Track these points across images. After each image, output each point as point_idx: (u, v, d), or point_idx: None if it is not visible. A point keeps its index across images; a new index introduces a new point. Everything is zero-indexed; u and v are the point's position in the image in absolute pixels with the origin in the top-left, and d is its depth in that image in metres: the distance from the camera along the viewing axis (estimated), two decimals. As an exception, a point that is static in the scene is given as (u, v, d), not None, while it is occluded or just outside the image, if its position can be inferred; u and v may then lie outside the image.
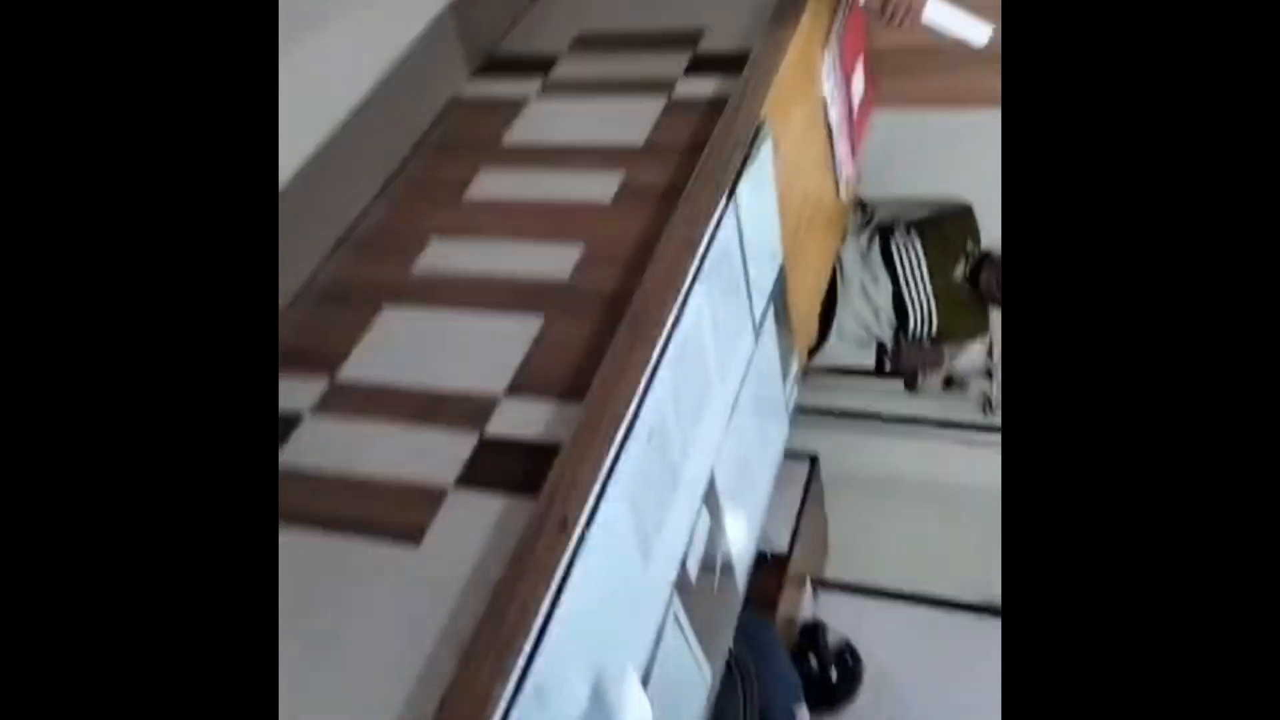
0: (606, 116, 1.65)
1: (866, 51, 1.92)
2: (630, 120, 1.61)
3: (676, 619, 1.20)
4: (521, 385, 1.20)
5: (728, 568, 1.43)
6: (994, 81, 1.95)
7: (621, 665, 1.05)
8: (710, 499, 1.31)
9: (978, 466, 3.67)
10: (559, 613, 0.89)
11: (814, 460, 3.32)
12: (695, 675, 1.30)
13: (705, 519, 1.30)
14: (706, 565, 1.31)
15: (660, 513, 1.12)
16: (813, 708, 2.75)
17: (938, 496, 3.84)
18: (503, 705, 0.82)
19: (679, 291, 1.16)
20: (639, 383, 1.06)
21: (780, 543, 2.99)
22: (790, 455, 3.33)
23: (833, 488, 3.54)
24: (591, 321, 1.26)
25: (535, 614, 0.87)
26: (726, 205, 1.28)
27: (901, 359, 2.60)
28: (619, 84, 1.73)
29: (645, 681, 1.11)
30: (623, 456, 1.01)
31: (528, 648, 0.85)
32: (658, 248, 1.24)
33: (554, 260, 1.37)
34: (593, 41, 1.85)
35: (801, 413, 3.65)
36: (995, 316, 2.68)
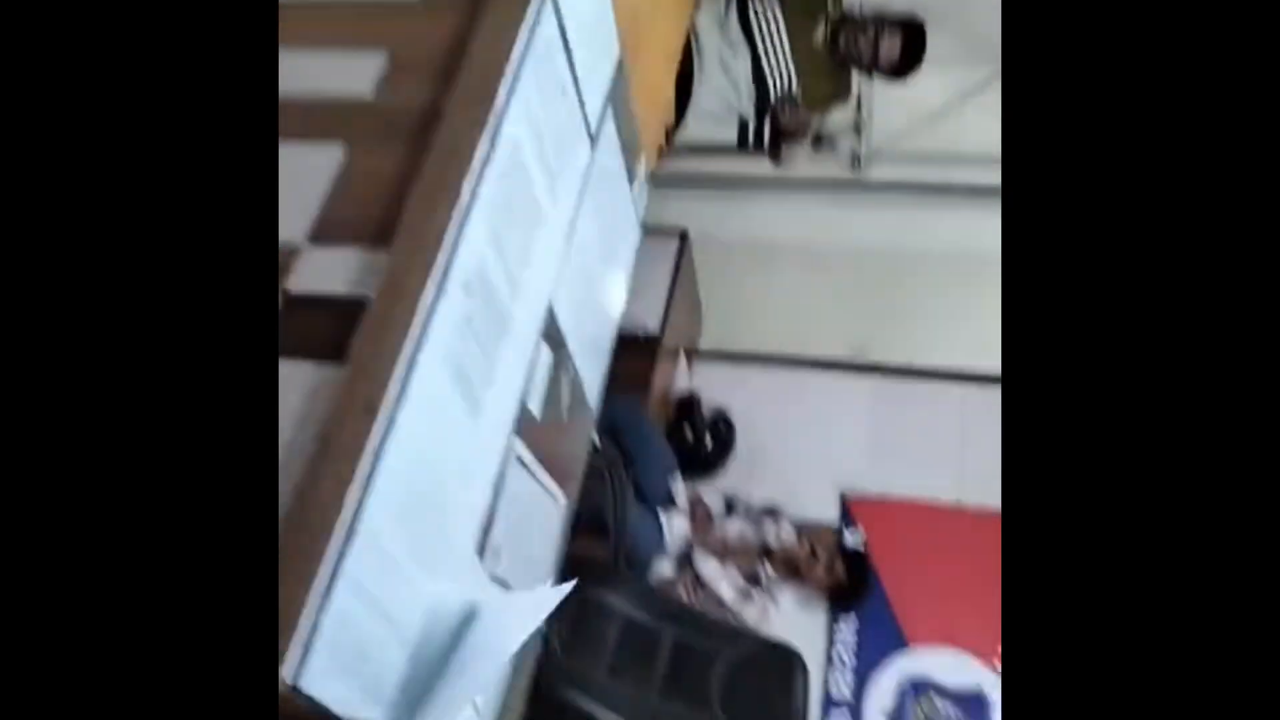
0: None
1: None
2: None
3: (519, 460, 1.16)
4: (324, 231, 1.07)
5: (578, 392, 1.39)
6: None
7: (454, 528, 1.01)
8: (551, 334, 1.25)
9: (847, 224, 3.69)
10: (371, 500, 0.83)
11: (683, 236, 3.27)
12: (547, 505, 1.28)
13: (546, 354, 1.24)
14: (552, 399, 1.26)
15: (489, 365, 1.04)
16: (689, 477, 2.87)
17: (809, 257, 3.87)
18: (312, 612, 0.77)
19: (490, 110, 1.02)
20: (446, 231, 0.95)
21: (651, 323, 2.98)
22: (659, 231, 3.28)
23: (704, 257, 3.52)
24: (401, 148, 1.11)
25: (339, 512, 0.81)
26: (545, 6, 1.12)
27: (764, 132, 2.49)
28: None
29: (488, 530, 1.09)
30: (436, 316, 0.92)
31: (334, 550, 0.80)
32: (464, 60, 1.08)
33: (353, 73, 1.20)
34: None
35: (668, 184, 3.56)
36: (858, 78, 2.58)
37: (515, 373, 1.13)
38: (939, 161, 3.62)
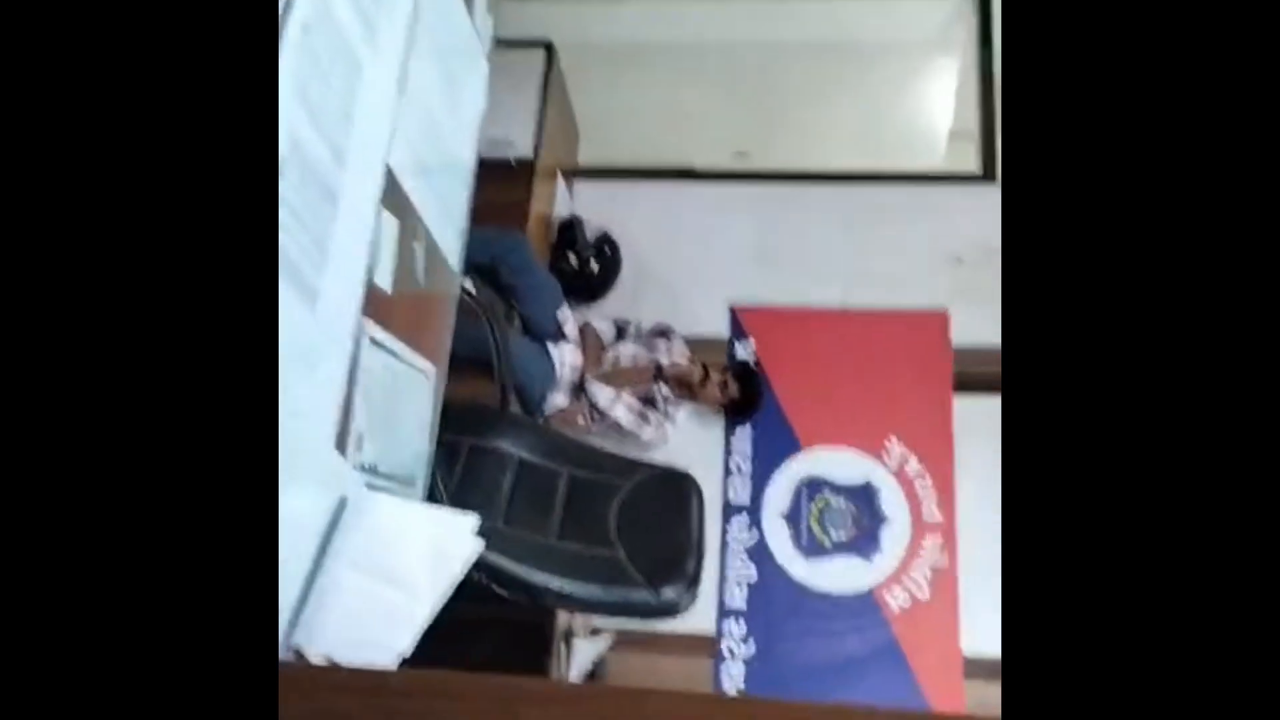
0: None
1: None
2: None
3: (373, 340, 1.08)
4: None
5: (434, 256, 1.30)
6: None
7: (304, 427, 0.94)
8: (393, 199, 1.14)
9: (715, 18, 3.51)
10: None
11: (549, 48, 3.06)
12: (414, 380, 1.22)
13: (391, 223, 1.13)
14: (403, 269, 1.17)
15: (319, 249, 0.94)
16: (576, 304, 2.82)
17: (679, 58, 3.71)
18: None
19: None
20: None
21: (524, 147, 2.83)
22: (521, 45, 3.06)
23: (573, 68, 3.32)
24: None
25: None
26: None
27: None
28: None
29: (346, 419, 1.02)
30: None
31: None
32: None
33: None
34: None
35: (528, -10, 3.29)
36: None
37: (354, 248, 1.03)
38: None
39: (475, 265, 2.19)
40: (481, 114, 1.50)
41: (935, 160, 3.69)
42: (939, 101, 3.65)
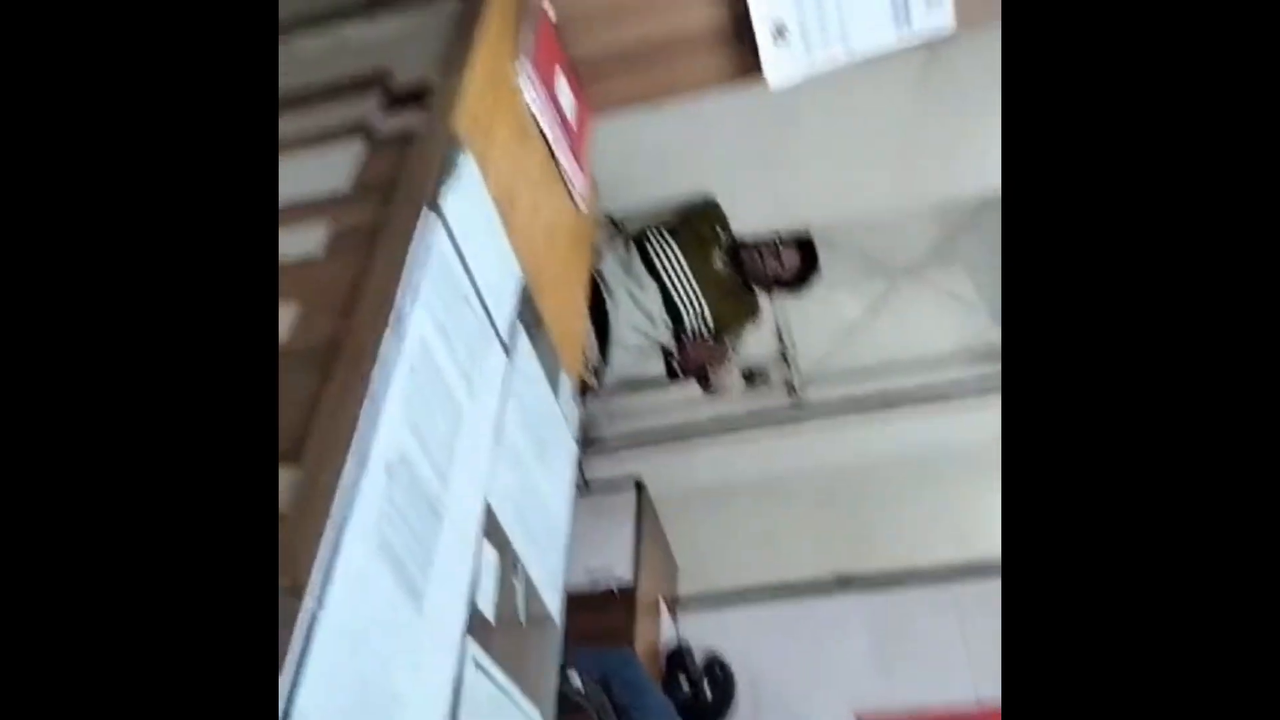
0: (304, 171, 1.55)
1: (566, 60, 1.92)
2: (331, 168, 1.52)
3: (476, 663, 1.10)
4: (247, 459, 1.08)
5: (536, 601, 1.34)
6: (706, 61, 1.99)
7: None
8: (493, 533, 1.23)
9: (794, 451, 3.75)
10: (304, 686, 0.78)
11: (639, 485, 3.29)
12: (518, 717, 1.20)
13: (491, 555, 1.21)
14: (505, 604, 1.21)
15: (425, 551, 1.02)
16: (695, 728, 2.69)
17: (770, 489, 3.89)
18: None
19: (391, 312, 1.08)
20: (361, 414, 0.96)
21: (624, 575, 2.92)
22: (614, 486, 3.30)
23: (667, 507, 3.52)
24: (314, 374, 1.15)
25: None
26: (432, 220, 1.21)
27: (687, 358, 2.61)
28: (314, 137, 1.63)
29: (454, 738, 1.01)
30: (359, 496, 0.91)
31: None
32: (365, 278, 1.15)
33: (268, 324, 1.26)
34: (281, 100, 1.75)
35: (617, 444, 3.62)
36: (765, 298, 2.74)
37: (458, 565, 1.10)
38: (868, 374, 3.76)
39: (590, 674, 2.16)
40: (571, 485, 1.62)
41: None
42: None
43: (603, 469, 3.41)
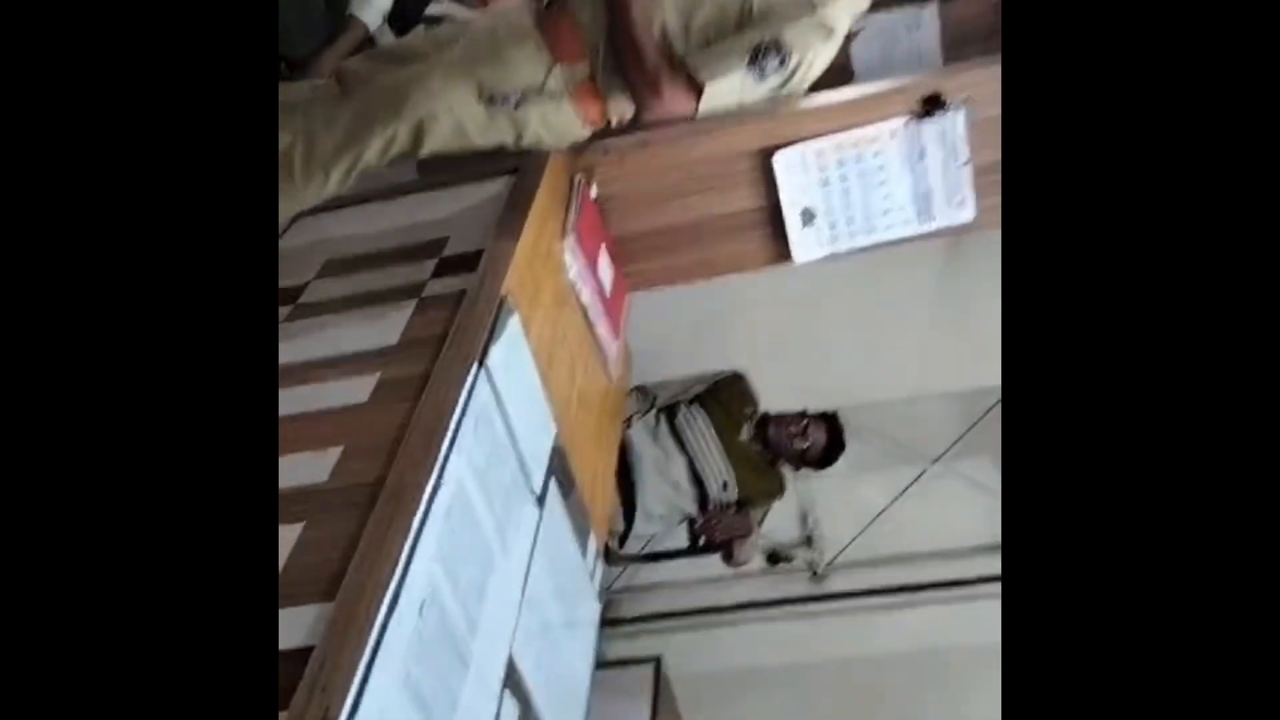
0: (359, 327, 1.64)
1: (609, 238, 2.04)
2: (383, 326, 1.61)
3: (493, 820, 1.07)
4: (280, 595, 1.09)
5: (551, 761, 1.31)
6: (740, 247, 2.11)
7: None
8: (515, 685, 1.22)
9: (817, 639, 3.65)
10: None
11: (657, 663, 3.20)
12: None
13: (513, 706, 1.20)
14: (523, 758, 1.19)
15: (450, 693, 1.02)
16: None
17: (785, 676, 3.76)
18: None
19: (435, 458, 1.12)
20: (399, 551, 0.99)
21: (639, 758, 2.80)
22: (632, 662, 3.21)
23: (684, 690, 3.40)
24: (355, 513, 1.19)
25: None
26: (478, 373, 1.27)
27: (711, 529, 2.61)
28: (369, 296, 1.73)
29: None
30: (391, 630, 0.93)
31: None
32: (410, 423, 1.20)
33: (312, 467, 1.31)
34: (340, 266, 1.87)
35: (637, 622, 3.56)
36: (790, 477, 2.76)
37: (481, 713, 1.09)
38: (891, 562, 3.72)
39: None
40: (594, 644, 1.60)
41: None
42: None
43: (622, 648, 3.33)
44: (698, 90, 1.32)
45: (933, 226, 1.94)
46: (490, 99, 1.45)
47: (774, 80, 1.25)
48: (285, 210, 1.82)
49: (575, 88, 1.49)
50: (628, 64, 1.33)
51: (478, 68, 1.39)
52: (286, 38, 2.25)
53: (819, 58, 1.27)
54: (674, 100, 1.41)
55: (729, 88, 1.25)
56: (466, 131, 1.68)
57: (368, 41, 2.36)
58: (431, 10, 2.43)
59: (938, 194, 1.90)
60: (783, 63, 1.23)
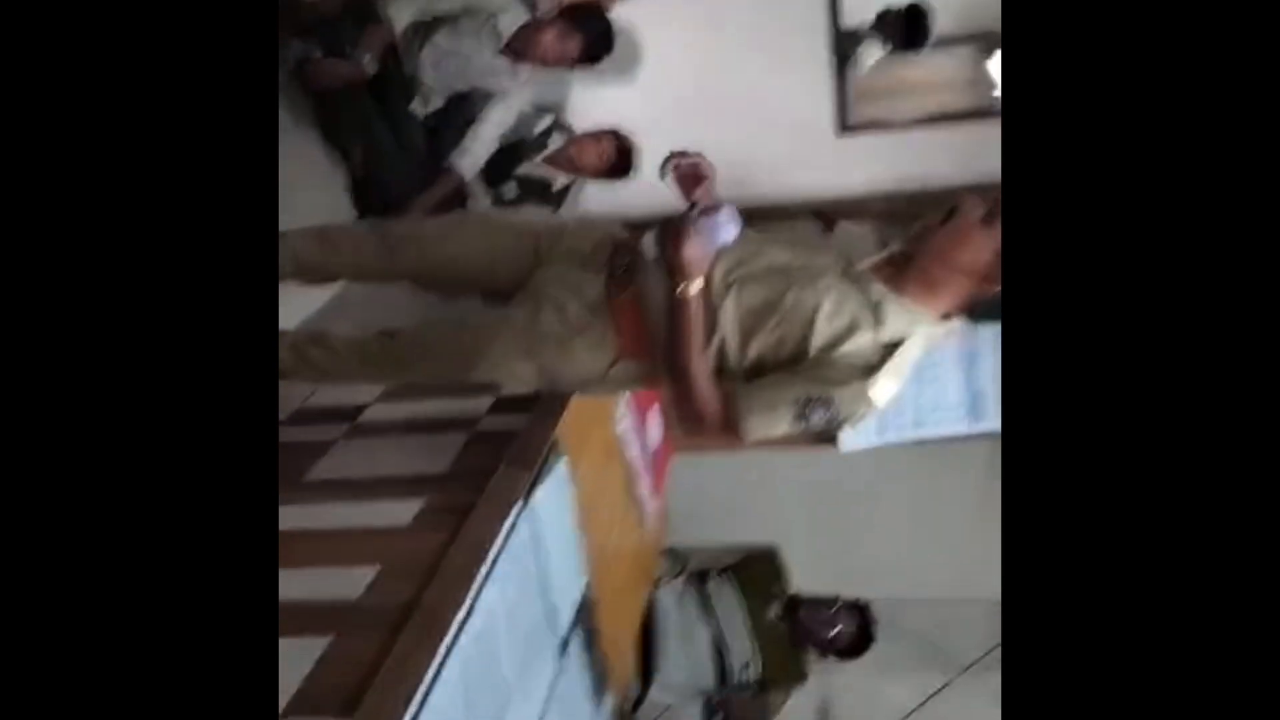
0: (411, 451, 1.69)
1: (661, 401, 2.10)
2: (434, 453, 1.65)
3: None
4: (297, 708, 1.09)
5: None
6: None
7: None
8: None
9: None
10: None
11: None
12: None
13: None
14: None
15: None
16: None
17: None
18: None
19: (470, 588, 1.13)
20: (422, 674, 1.00)
21: None
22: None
23: None
24: (384, 633, 1.20)
25: None
26: (522, 510, 1.30)
27: (729, 710, 2.52)
28: (425, 423, 1.79)
29: None
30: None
31: None
32: (450, 550, 1.23)
33: (346, 583, 1.32)
34: (401, 392, 1.94)
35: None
36: (814, 664, 2.68)
37: None
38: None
39: None
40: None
41: None
42: None
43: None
44: (738, 427, 1.33)
45: (983, 428, 1.97)
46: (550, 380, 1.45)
47: (817, 426, 1.32)
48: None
49: (634, 382, 1.45)
50: (675, 392, 1.34)
51: (543, 351, 1.39)
52: (385, 180, 2.40)
53: (862, 420, 1.34)
54: (713, 431, 1.40)
55: (770, 428, 1.31)
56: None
57: (460, 190, 2.51)
58: (523, 171, 2.59)
59: (990, 396, 1.93)
60: (829, 421, 1.29)
